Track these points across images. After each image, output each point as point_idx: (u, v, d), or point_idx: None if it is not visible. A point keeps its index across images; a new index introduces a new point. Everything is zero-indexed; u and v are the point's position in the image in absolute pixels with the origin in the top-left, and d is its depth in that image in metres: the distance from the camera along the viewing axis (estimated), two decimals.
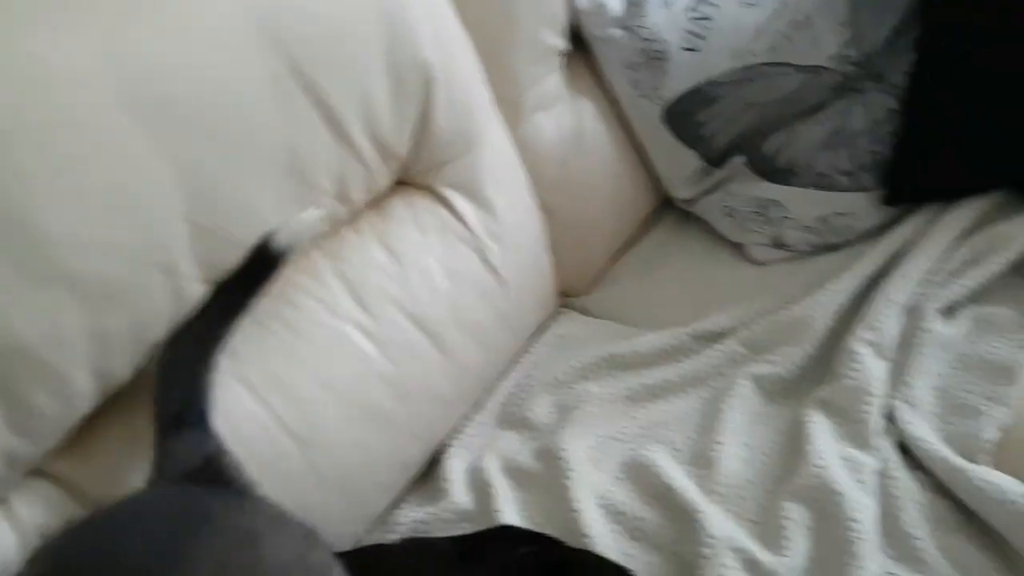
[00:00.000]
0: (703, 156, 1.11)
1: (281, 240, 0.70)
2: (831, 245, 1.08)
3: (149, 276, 0.68)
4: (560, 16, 1.00)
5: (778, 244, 1.09)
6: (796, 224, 1.08)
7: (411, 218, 0.89)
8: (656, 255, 1.17)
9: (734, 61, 1.07)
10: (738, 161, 1.11)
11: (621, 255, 1.17)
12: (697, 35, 1.05)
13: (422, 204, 0.90)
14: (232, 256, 0.72)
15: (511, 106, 0.98)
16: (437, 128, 0.86)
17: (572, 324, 1.09)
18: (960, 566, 0.74)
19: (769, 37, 1.07)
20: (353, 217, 0.86)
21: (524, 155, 1.00)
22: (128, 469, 0.71)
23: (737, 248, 1.13)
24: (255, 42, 0.70)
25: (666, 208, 1.21)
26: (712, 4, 1.05)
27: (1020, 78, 0.99)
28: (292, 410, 0.78)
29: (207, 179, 0.68)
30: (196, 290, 0.71)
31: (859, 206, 1.07)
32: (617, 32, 1.03)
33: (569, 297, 1.13)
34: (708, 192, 1.14)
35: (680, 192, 1.15)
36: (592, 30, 1.03)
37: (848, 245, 1.07)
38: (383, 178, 0.86)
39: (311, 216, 0.72)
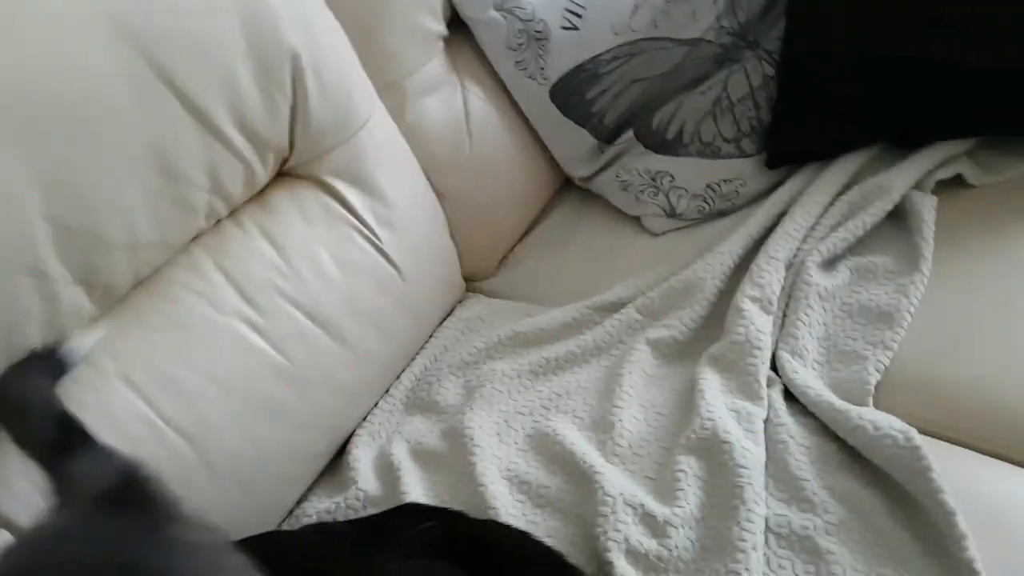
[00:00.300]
0: (594, 133, 1.13)
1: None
2: (721, 211, 1.11)
3: (16, 280, 0.67)
4: (435, 1, 1.01)
5: (671, 214, 1.12)
6: (686, 193, 1.11)
7: (296, 209, 0.88)
8: (559, 234, 1.19)
9: (615, 38, 1.09)
10: (629, 136, 1.14)
11: (525, 236, 1.19)
12: (576, 14, 1.07)
13: (307, 194, 0.90)
14: (104, 255, 0.72)
15: (395, 92, 0.99)
16: (313, 117, 0.86)
17: (478, 307, 1.10)
18: (845, 502, 0.77)
19: (648, 12, 1.10)
20: (234, 211, 0.86)
21: (414, 141, 1.01)
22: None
23: (635, 221, 1.15)
24: (109, 38, 0.69)
25: (567, 187, 1.23)
26: None
27: (882, 38, 1.03)
28: (180, 407, 0.77)
29: (67, 179, 0.67)
30: (69, 292, 0.70)
31: (744, 171, 1.10)
32: (495, 15, 1.05)
33: (476, 281, 1.15)
34: (603, 169, 1.16)
35: (577, 171, 1.17)
36: (470, 13, 1.05)
37: (737, 209, 1.11)
38: (262, 170, 0.85)
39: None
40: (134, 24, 0.71)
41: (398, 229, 0.95)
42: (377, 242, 0.93)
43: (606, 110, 1.12)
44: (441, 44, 1.04)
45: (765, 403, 0.86)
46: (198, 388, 0.78)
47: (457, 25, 1.08)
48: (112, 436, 0.72)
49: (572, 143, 1.14)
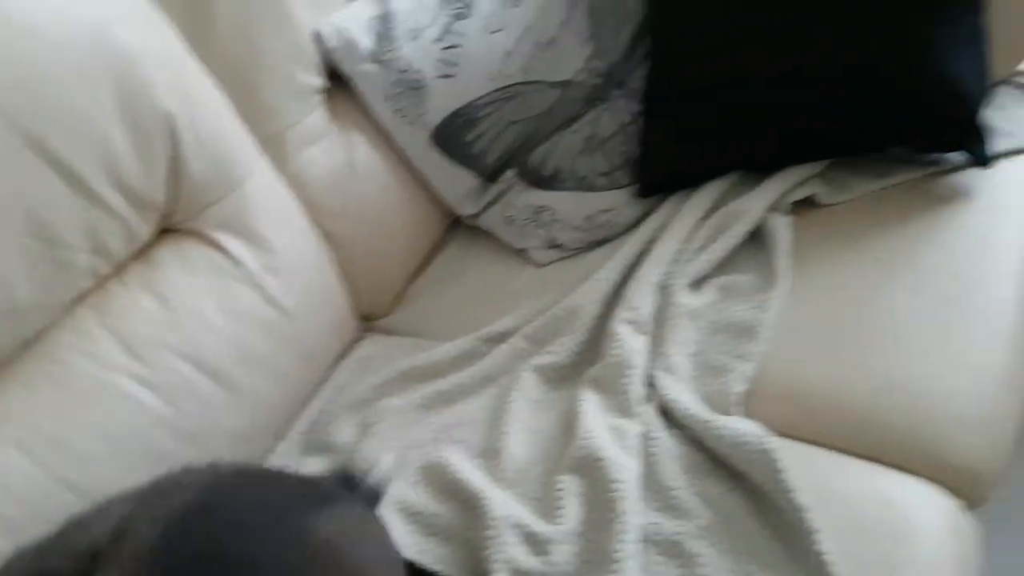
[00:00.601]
0: (478, 173, 1.19)
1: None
2: (600, 240, 1.17)
3: None
4: (311, 56, 1.05)
5: (553, 245, 1.18)
6: (566, 225, 1.17)
7: (180, 263, 0.91)
8: (451, 270, 1.23)
9: (490, 83, 1.15)
10: (510, 174, 1.19)
11: (419, 274, 1.23)
12: (450, 63, 1.13)
13: (191, 249, 0.92)
14: None
15: (277, 144, 1.02)
16: (192, 174, 0.89)
17: (374, 346, 1.13)
18: (713, 506, 0.83)
19: (520, 59, 1.16)
20: (119, 270, 0.88)
21: (300, 189, 1.04)
22: None
23: (521, 254, 1.20)
24: None
25: (458, 224, 1.28)
26: (459, 34, 1.13)
27: (733, 74, 1.11)
28: (71, 467, 0.78)
29: None
30: None
31: (618, 202, 1.17)
32: (371, 67, 1.09)
33: (373, 320, 1.18)
34: (489, 206, 1.21)
35: (464, 209, 1.22)
36: (346, 67, 1.09)
37: (615, 237, 1.17)
38: (143, 228, 0.88)
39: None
40: (3, 94, 0.73)
41: (284, 276, 0.98)
42: (264, 290, 0.96)
43: (487, 151, 1.18)
44: (320, 96, 1.08)
45: (640, 419, 0.91)
46: (88, 447, 0.80)
47: (340, 76, 1.12)
48: (5, 499, 0.74)
49: (457, 183, 1.19)
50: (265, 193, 0.98)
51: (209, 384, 0.89)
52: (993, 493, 0.92)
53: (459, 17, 1.13)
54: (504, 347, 1.05)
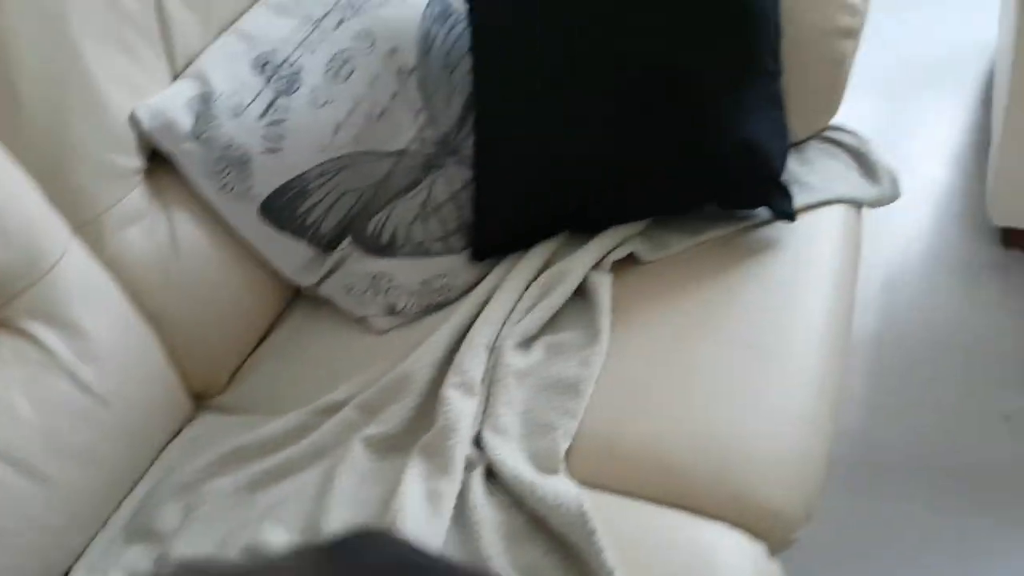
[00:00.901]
0: (313, 243, 1.20)
1: None
2: (438, 304, 1.19)
3: None
4: (127, 138, 1.04)
5: (392, 312, 1.19)
6: (404, 291, 1.19)
7: None
8: (290, 341, 1.23)
9: (320, 155, 1.17)
10: (347, 243, 1.21)
11: (258, 347, 1.22)
12: (276, 137, 1.14)
13: None
14: None
15: (93, 227, 1.01)
16: None
17: (205, 425, 1.11)
18: (530, 571, 0.85)
19: (351, 130, 1.19)
20: None
21: (119, 271, 1.03)
22: None
23: (361, 322, 1.21)
24: None
25: (301, 295, 1.28)
26: (284, 109, 1.14)
27: (556, 145, 1.17)
28: None
29: None
30: None
31: (454, 266, 1.20)
32: (192, 145, 1.09)
33: (208, 398, 1.16)
34: (327, 275, 1.22)
35: (302, 280, 1.22)
36: (166, 146, 1.08)
37: (452, 301, 1.19)
38: None
39: None
40: None
41: (101, 361, 0.96)
42: (78, 377, 0.93)
43: (321, 221, 1.19)
44: (139, 177, 1.07)
45: (458, 482, 0.93)
46: None
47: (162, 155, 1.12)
48: None
49: (291, 255, 1.19)
50: (79, 278, 0.97)
51: (18, 478, 0.87)
52: (800, 535, 0.97)
53: (283, 93, 1.15)
54: (336, 419, 1.05)
